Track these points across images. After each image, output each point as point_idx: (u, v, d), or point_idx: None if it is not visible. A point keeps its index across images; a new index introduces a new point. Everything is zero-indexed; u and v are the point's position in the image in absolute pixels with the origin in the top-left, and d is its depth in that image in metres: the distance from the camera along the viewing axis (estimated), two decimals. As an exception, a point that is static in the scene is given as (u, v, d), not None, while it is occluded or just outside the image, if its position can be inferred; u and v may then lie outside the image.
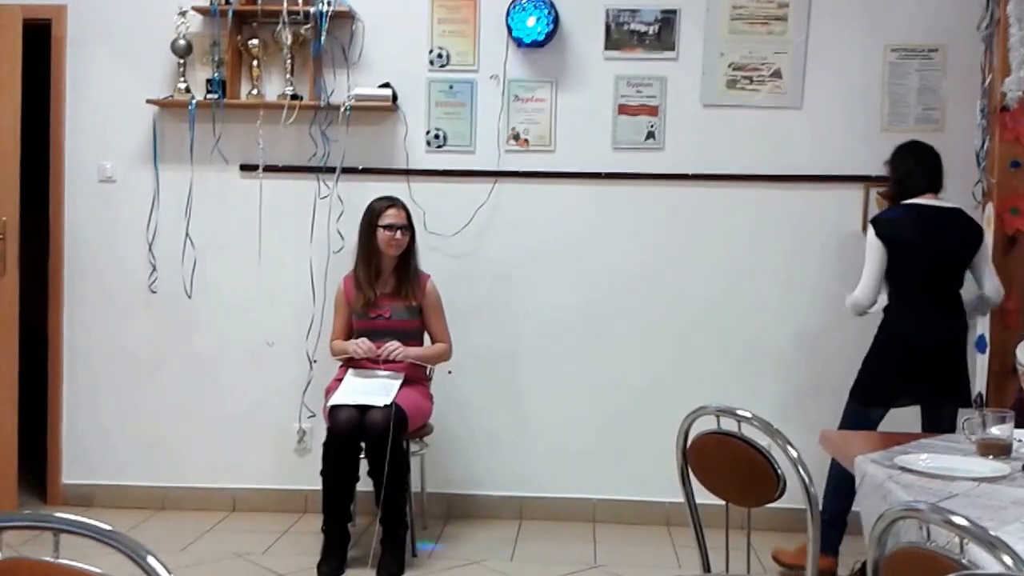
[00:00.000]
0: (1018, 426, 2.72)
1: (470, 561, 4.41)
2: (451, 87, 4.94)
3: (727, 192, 4.87)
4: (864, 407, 4.16)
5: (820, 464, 3.42)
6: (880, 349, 4.18)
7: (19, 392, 4.89)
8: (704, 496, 2.77)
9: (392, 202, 4.47)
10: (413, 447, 4.47)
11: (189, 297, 5.02)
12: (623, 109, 4.91)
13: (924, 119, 4.80)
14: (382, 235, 4.41)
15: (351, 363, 4.45)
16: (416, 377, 4.47)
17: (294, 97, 4.86)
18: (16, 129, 4.81)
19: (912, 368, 4.08)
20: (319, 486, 4.27)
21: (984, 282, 4.18)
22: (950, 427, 3.97)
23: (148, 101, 4.91)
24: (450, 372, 4.72)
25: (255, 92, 4.92)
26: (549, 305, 4.97)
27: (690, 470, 2.78)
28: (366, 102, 4.84)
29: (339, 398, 4.24)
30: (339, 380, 4.40)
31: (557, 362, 4.98)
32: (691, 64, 4.86)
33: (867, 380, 4.20)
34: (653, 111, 4.90)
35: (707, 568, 2.84)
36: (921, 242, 4.06)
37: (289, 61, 4.86)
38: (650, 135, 4.91)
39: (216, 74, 4.88)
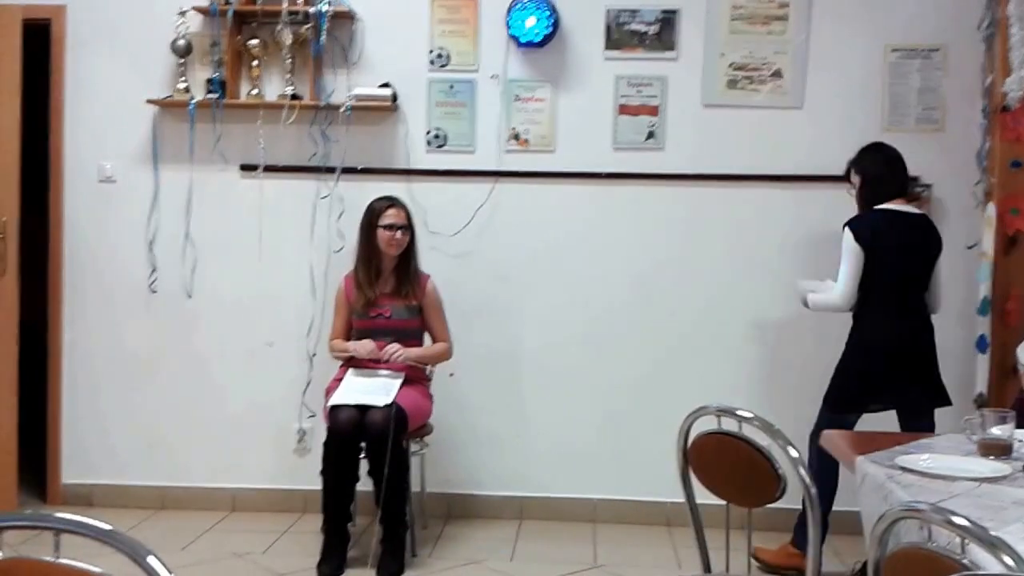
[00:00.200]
0: (1019, 426, 2.71)
1: (470, 561, 4.41)
2: (451, 87, 4.93)
3: (727, 192, 4.87)
4: (840, 414, 4.17)
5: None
6: (855, 355, 4.20)
7: (19, 392, 4.89)
8: (704, 496, 2.76)
9: (392, 202, 4.47)
10: (413, 447, 4.47)
11: (189, 297, 5.02)
12: (623, 109, 4.91)
13: (925, 119, 4.80)
14: (382, 235, 4.41)
15: (351, 363, 4.45)
16: (416, 377, 4.47)
17: (294, 97, 4.86)
18: (16, 129, 4.81)
19: (888, 373, 4.12)
20: (319, 486, 4.27)
21: (935, 290, 4.26)
22: (930, 428, 4.02)
23: (148, 101, 4.91)
24: (452, 374, 4.72)
25: (255, 92, 4.92)
26: (549, 305, 4.97)
27: (690, 470, 2.77)
28: (366, 102, 4.84)
29: (339, 398, 4.24)
30: (339, 380, 4.40)
31: (557, 362, 4.98)
32: (691, 64, 4.86)
33: (842, 386, 4.21)
34: (653, 111, 4.90)
35: (707, 568, 2.84)
36: (898, 248, 4.11)
37: (289, 61, 4.86)
38: (650, 135, 4.90)
39: (216, 74, 4.88)
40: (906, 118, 4.80)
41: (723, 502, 2.71)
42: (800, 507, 4.10)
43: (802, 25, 4.81)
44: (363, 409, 4.18)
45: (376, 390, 4.26)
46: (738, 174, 4.85)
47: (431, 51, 4.93)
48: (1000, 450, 2.63)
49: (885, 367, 4.13)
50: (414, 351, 4.43)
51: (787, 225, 4.87)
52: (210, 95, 4.87)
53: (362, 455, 4.22)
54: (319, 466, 4.26)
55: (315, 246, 4.93)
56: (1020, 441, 2.69)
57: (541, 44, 4.82)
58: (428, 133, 4.96)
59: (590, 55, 4.90)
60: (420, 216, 4.74)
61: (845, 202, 4.80)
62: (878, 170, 4.22)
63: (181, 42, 4.83)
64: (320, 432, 4.41)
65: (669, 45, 4.87)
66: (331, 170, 4.94)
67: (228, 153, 4.97)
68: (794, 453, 2.51)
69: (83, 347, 5.07)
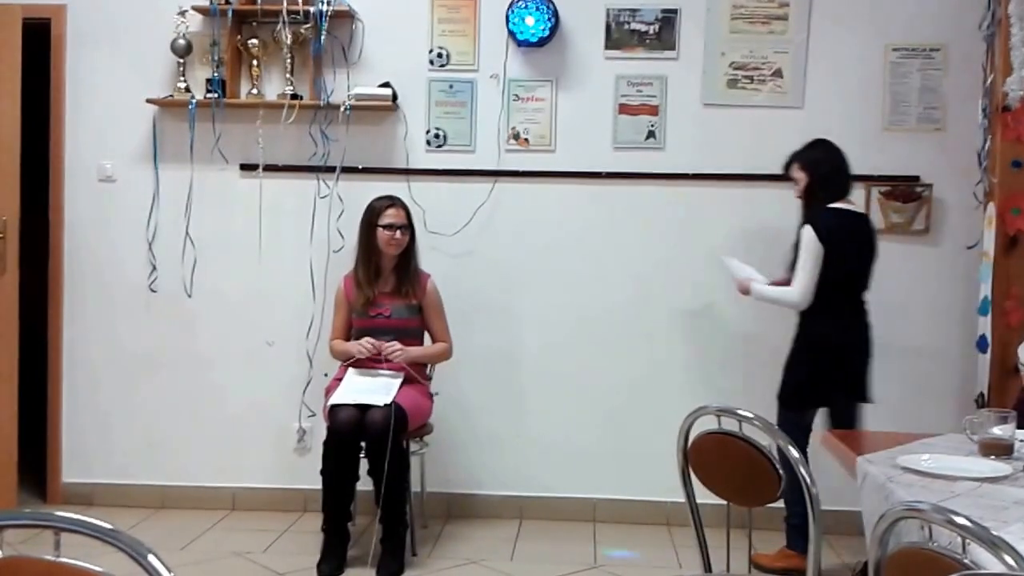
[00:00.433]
0: (1020, 426, 2.71)
1: (470, 561, 4.41)
2: (451, 86, 4.93)
3: (727, 192, 4.87)
4: (799, 412, 4.21)
5: (821, 464, 3.42)
6: (811, 352, 4.24)
7: (19, 391, 4.89)
8: (705, 496, 2.76)
9: (392, 201, 4.47)
10: (413, 446, 4.47)
11: (189, 296, 5.02)
12: (623, 108, 4.90)
13: (925, 119, 4.80)
14: (382, 235, 4.41)
15: (351, 362, 4.44)
16: (416, 376, 4.46)
17: (294, 97, 4.86)
18: (16, 128, 4.81)
19: (842, 369, 4.21)
20: (319, 485, 4.26)
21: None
22: (857, 424, 4.18)
23: (148, 100, 4.91)
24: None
25: (255, 92, 4.92)
26: (549, 304, 4.97)
27: (691, 470, 2.77)
28: (366, 101, 4.84)
29: (339, 397, 4.23)
30: (339, 379, 4.40)
31: (557, 361, 4.98)
32: (691, 63, 4.86)
33: (799, 384, 4.25)
34: (653, 111, 4.89)
35: (708, 568, 2.83)
36: (852, 248, 4.20)
37: (289, 60, 4.86)
38: (650, 135, 4.90)
39: (216, 73, 4.87)
40: (907, 118, 4.80)
41: (723, 502, 2.71)
42: (787, 509, 4.15)
43: (802, 24, 4.81)
44: (363, 408, 4.17)
45: (376, 390, 4.26)
46: (738, 174, 4.85)
47: (431, 50, 4.93)
48: (1001, 450, 2.63)
49: (838, 364, 4.21)
50: (413, 350, 4.43)
51: (787, 225, 4.85)
52: (210, 95, 4.87)
53: (362, 454, 4.22)
54: (319, 465, 4.26)
55: (315, 245, 4.93)
56: (1021, 441, 2.68)
57: (541, 44, 4.82)
58: (428, 132, 4.95)
59: (590, 54, 4.90)
60: (420, 215, 4.74)
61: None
62: (831, 169, 4.25)
63: (181, 42, 4.83)
64: (320, 431, 4.41)
65: (669, 45, 4.87)
66: (331, 169, 4.94)
67: (228, 152, 4.97)
68: (795, 453, 2.51)
69: (83, 346, 5.07)
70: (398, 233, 4.41)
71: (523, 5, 4.75)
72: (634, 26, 4.88)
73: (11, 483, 4.86)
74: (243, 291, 5.02)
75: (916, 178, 4.82)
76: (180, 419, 5.06)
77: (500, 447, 5.00)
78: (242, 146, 4.97)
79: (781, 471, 2.50)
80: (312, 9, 4.78)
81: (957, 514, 1.75)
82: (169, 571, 1.46)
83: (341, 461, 4.18)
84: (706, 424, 2.72)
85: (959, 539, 1.74)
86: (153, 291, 5.03)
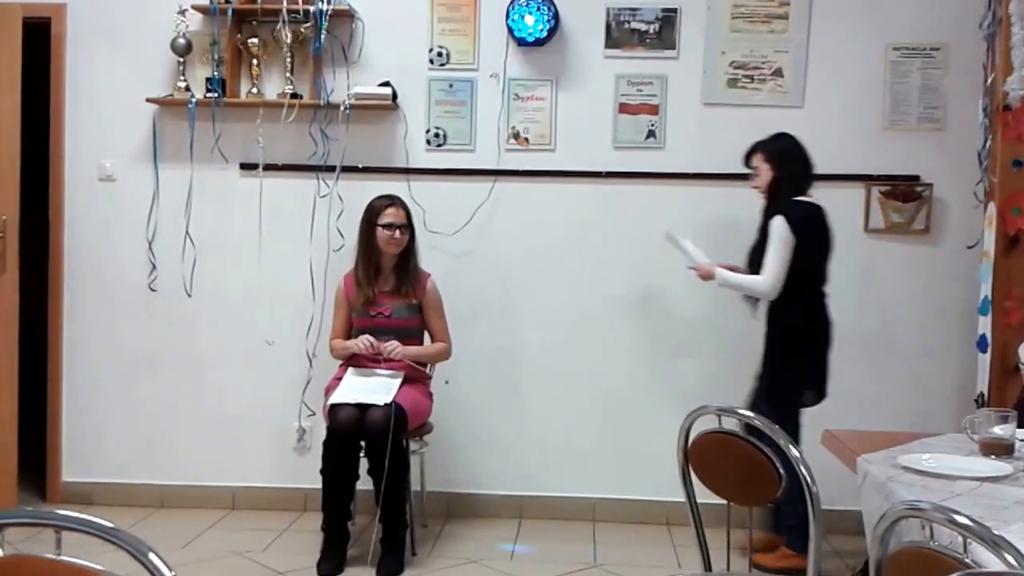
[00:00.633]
0: (1020, 426, 2.71)
1: (470, 560, 4.40)
2: (451, 86, 4.93)
3: (728, 191, 4.86)
4: (796, 409, 4.22)
5: (822, 463, 3.41)
6: (793, 347, 4.27)
7: (19, 390, 4.89)
8: (705, 495, 2.76)
9: (392, 201, 4.47)
10: (413, 446, 4.46)
11: (189, 295, 5.01)
12: (623, 108, 4.90)
13: (926, 118, 4.80)
14: (381, 234, 4.40)
15: (351, 362, 4.44)
16: (416, 376, 4.46)
17: (294, 96, 4.86)
18: (16, 127, 4.80)
19: (823, 362, 4.29)
20: (319, 484, 4.26)
21: None
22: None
23: (148, 100, 4.91)
24: (447, 382, 4.72)
25: (255, 91, 4.91)
26: (549, 304, 4.97)
27: (691, 469, 2.77)
28: (366, 101, 4.83)
29: (339, 397, 4.23)
30: (339, 379, 4.39)
31: (557, 361, 4.97)
32: (692, 63, 4.86)
33: (786, 380, 4.26)
34: (654, 110, 4.89)
35: (708, 567, 2.83)
36: (822, 240, 4.26)
37: (289, 60, 4.85)
38: (651, 134, 4.90)
39: (216, 73, 4.87)
40: (907, 117, 4.80)
41: (724, 501, 2.71)
42: (782, 509, 4.15)
43: (803, 24, 4.81)
44: (363, 408, 4.17)
45: (376, 389, 4.25)
46: (738, 173, 4.82)
47: (431, 50, 4.92)
48: (1002, 449, 2.63)
49: (820, 356, 4.27)
50: (412, 349, 4.42)
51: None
52: (210, 94, 4.87)
53: (362, 454, 4.22)
54: (319, 465, 4.26)
55: (315, 245, 4.93)
56: (1022, 440, 2.68)
57: (541, 43, 4.81)
58: (428, 132, 4.95)
59: (590, 54, 4.89)
60: (420, 215, 4.74)
61: (847, 201, 4.82)
62: (798, 163, 4.30)
63: (181, 41, 4.83)
64: (320, 431, 4.40)
65: (669, 44, 4.86)
66: (331, 169, 4.93)
67: (228, 152, 4.97)
68: (795, 452, 2.51)
69: (83, 345, 5.07)
70: (398, 232, 4.41)
71: (523, 4, 4.75)
72: (634, 25, 4.87)
73: (11, 482, 4.86)
74: (243, 290, 5.01)
75: (916, 177, 4.82)
76: (180, 418, 5.06)
77: (500, 446, 5.00)
78: (242, 145, 4.97)
79: (782, 471, 2.50)
80: (312, 8, 4.78)
81: (958, 513, 1.75)
82: (170, 569, 1.46)
83: (341, 460, 4.18)
84: (706, 423, 2.72)
85: (960, 538, 1.73)
86: (153, 290, 5.03)
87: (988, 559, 1.71)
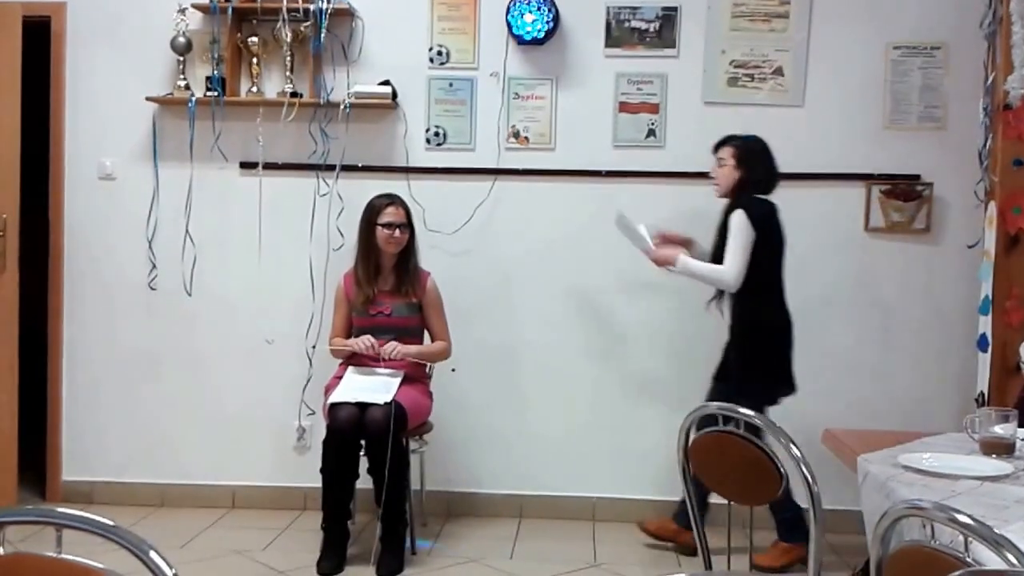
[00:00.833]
0: (1021, 425, 2.71)
1: (469, 559, 4.40)
2: (451, 84, 4.93)
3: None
4: (767, 405, 4.20)
5: (822, 462, 3.41)
6: (766, 344, 4.29)
7: (19, 389, 4.89)
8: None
9: (391, 200, 4.46)
10: (413, 445, 4.46)
11: (189, 294, 5.01)
12: (624, 107, 4.90)
13: (926, 117, 4.80)
14: (381, 233, 4.40)
15: (351, 361, 4.44)
16: (416, 375, 4.46)
17: (294, 94, 4.85)
18: (16, 126, 4.80)
19: (790, 357, 4.33)
20: (319, 483, 4.26)
21: None
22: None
23: (148, 98, 4.91)
24: (453, 369, 4.73)
25: (255, 89, 4.91)
26: (549, 303, 4.96)
27: (691, 469, 2.77)
28: (366, 99, 4.83)
29: (339, 396, 4.23)
30: (339, 378, 4.39)
31: (557, 360, 4.97)
32: (692, 61, 4.85)
33: (766, 378, 4.26)
34: (654, 109, 4.89)
35: (708, 567, 2.83)
36: (781, 238, 4.31)
37: (289, 58, 4.85)
38: (651, 133, 4.90)
39: (216, 71, 4.87)
40: (907, 116, 4.80)
41: (724, 500, 2.70)
42: (805, 505, 4.14)
43: (803, 22, 4.81)
44: (363, 407, 4.17)
45: (376, 388, 4.25)
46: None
47: (431, 48, 4.92)
48: (1003, 449, 2.62)
49: (789, 350, 4.32)
50: (412, 348, 4.42)
51: (787, 223, 4.84)
52: (210, 92, 4.86)
53: (362, 453, 4.21)
54: (319, 464, 4.26)
55: (315, 244, 4.93)
56: (1023, 440, 2.68)
57: (541, 41, 4.81)
58: (428, 131, 4.95)
59: (590, 52, 4.89)
60: (419, 214, 4.73)
61: (847, 200, 4.82)
62: (766, 170, 4.33)
63: (181, 39, 4.83)
64: (320, 430, 4.40)
65: (670, 42, 4.86)
66: (331, 167, 4.93)
67: (228, 150, 4.97)
68: (796, 452, 2.51)
69: (83, 344, 5.07)
70: (397, 232, 4.41)
71: (524, 2, 4.74)
72: (634, 24, 4.87)
73: (11, 481, 4.86)
74: (243, 289, 5.01)
75: (917, 177, 4.82)
76: (180, 417, 5.06)
77: (500, 445, 5.00)
78: (242, 144, 4.97)
79: (783, 470, 2.50)
80: (312, 7, 4.77)
81: (959, 512, 1.75)
82: (171, 568, 1.46)
83: (341, 459, 4.18)
84: (707, 422, 2.72)
85: (961, 537, 1.73)
86: (153, 289, 5.02)
87: (989, 558, 1.71)
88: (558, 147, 4.93)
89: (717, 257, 4.32)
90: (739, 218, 4.20)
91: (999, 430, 2.64)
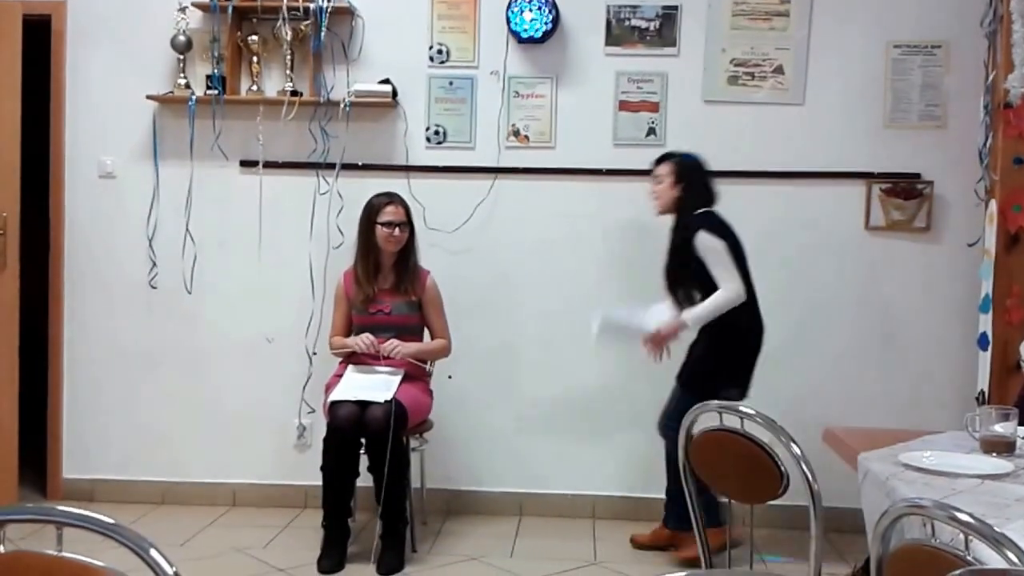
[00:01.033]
0: (1021, 423, 2.70)
1: (470, 557, 4.41)
2: (451, 83, 4.93)
3: (728, 189, 4.82)
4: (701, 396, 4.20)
5: (823, 462, 3.41)
6: (734, 341, 4.30)
7: (19, 387, 4.89)
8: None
9: (391, 199, 4.46)
10: (413, 443, 4.47)
11: (189, 293, 5.01)
12: (624, 105, 4.90)
13: (927, 116, 4.80)
14: (381, 232, 4.40)
15: (351, 359, 4.44)
16: (416, 373, 4.46)
17: (294, 93, 4.85)
18: (16, 125, 4.80)
19: (755, 361, 4.35)
20: (319, 482, 4.26)
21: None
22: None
23: (148, 97, 4.91)
24: (450, 376, 4.73)
25: (255, 88, 4.91)
26: (549, 301, 4.96)
27: (692, 467, 2.76)
28: (366, 98, 4.83)
29: (339, 394, 4.23)
30: (339, 376, 4.40)
31: (557, 358, 4.97)
32: (692, 60, 4.85)
33: (717, 376, 4.26)
34: (654, 107, 4.89)
35: (709, 565, 2.83)
36: (738, 240, 4.30)
37: (289, 57, 4.85)
38: (651, 131, 4.90)
39: (216, 70, 4.87)
40: (908, 115, 4.80)
41: (725, 499, 2.70)
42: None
43: (804, 21, 4.81)
44: (363, 405, 4.17)
45: (376, 386, 4.25)
46: (739, 170, 4.84)
47: (431, 47, 4.92)
48: (1003, 447, 2.62)
49: (752, 355, 4.33)
50: (412, 346, 4.42)
51: (787, 221, 4.86)
52: (210, 91, 4.86)
53: (362, 451, 4.22)
54: (319, 462, 4.26)
55: (315, 242, 4.93)
56: (1023, 438, 2.68)
57: (541, 40, 4.81)
58: (428, 129, 4.95)
59: (590, 51, 4.89)
60: (419, 212, 4.73)
61: (847, 198, 4.82)
62: (701, 189, 4.35)
63: (181, 38, 4.83)
64: (320, 428, 4.40)
65: (670, 41, 4.86)
66: (331, 166, 4.93)
67: (228, 149, 4.97)
68: (797, 450, 2.50)
69: (83, 343, 5.07)
70: (397, 230, 4.41)
71: (524, 1, 4.74)
72: (635, 22, 4.87)
73: (12, 479, 4.86)
74: (243, 287, 5.01)
75: (917, 175, 4.82)
76: (180, 415, 5.06)
77: (500, 444, 5.00)
78: (242, 142, 4.97)
79: (784, 468, 2.49)
80: (312, 5, 4.77)
81: (960, 510, 1.75)
82: (171, 566, 1.46)
83: (341, 457, 4.18)
84: (708, 421, 2.72)
85: (961, 536, 1.73)
86: (153, 287, 5.03)
87: (989, 556, 1.71)
88: (558, 146, 4.93)
89: (672, 276, 4.36)
90: (706, 239, 4.22)
91: (999, 428, 2.64)
